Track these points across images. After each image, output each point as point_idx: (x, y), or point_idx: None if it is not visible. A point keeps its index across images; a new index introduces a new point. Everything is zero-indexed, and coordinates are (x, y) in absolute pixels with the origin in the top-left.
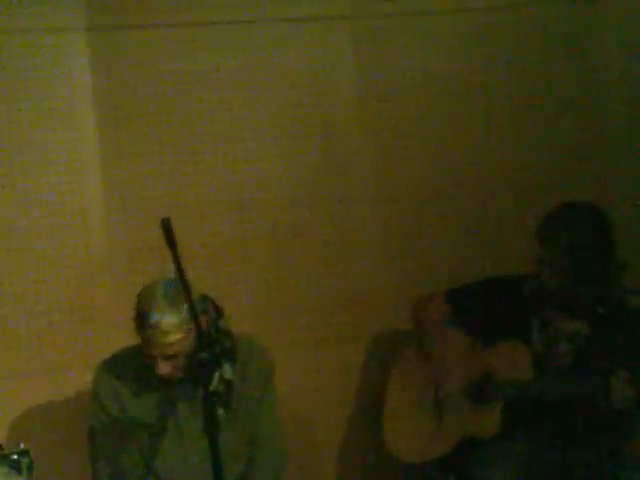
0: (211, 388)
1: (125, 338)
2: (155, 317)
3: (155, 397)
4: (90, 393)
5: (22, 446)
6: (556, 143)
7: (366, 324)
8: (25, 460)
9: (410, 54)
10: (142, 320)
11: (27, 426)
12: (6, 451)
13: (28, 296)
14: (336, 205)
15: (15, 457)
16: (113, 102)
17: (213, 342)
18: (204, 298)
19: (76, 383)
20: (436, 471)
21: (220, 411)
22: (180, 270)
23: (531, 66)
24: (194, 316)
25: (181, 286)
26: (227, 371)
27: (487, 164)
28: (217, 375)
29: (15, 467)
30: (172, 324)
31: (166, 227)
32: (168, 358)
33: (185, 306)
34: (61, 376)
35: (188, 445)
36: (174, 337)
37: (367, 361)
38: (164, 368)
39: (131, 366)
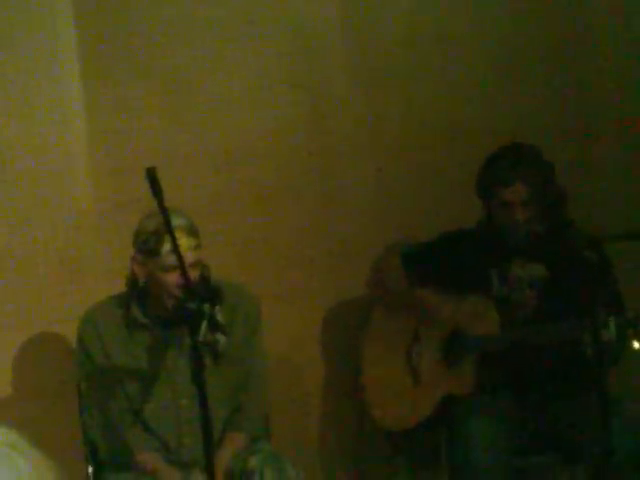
0: (199, 338)
1: (113, 289)
2: (179, 220)
3: (142, 343)
4: (76, 343)
5: None
6: (543, 93)
7: (355, 281)
8: None
9: (398, 3)
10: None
11: (14, 378)
12: None
13: (14, 249)
14: (321, 158)
15: None
16: (98, 53)
17: (200, 292)
18: None
19: (64, 335)
20: (423, 433)
21: (208, 360)
22: (166, 219)
23: (523, 12)
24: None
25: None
26: (218, 314)
27: (477, 113)
28: (205, 324)
29: None
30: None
31: (151, 176)
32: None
33: None
34: (49, 328)
35: (177, 390)
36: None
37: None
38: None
39: (117, 313)
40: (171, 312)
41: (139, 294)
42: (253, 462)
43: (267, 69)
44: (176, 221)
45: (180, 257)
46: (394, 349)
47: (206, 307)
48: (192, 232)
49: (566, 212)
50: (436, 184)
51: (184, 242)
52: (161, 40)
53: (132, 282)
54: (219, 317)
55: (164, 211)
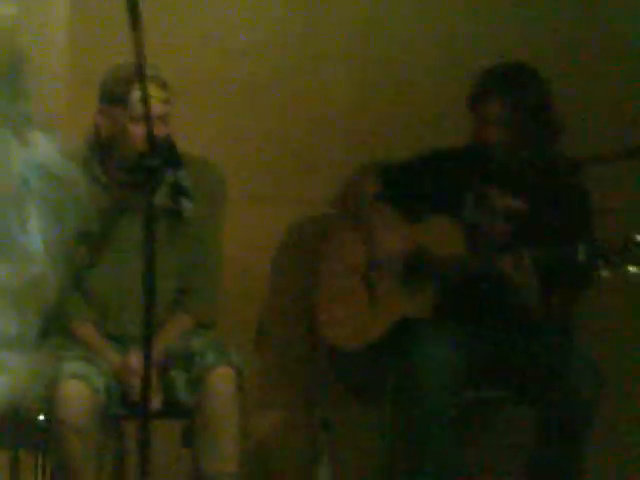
0: (156, 200)
1: None
2: (151, 71)
3: (99, 205)
4: None
5: None
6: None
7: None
8: None
9: None
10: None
11: None
12: None
13: None
14: (312, 59)
15: None
16: None
17: (165, 152)
18: None
19: None
20: (373, 356)
21: (164, 231)
22: (140, 53)
23: None
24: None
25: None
26: (183, 178)
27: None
28: (165, 189)
29: None
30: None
31: (132, 2)
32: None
33: None
34: None
35: (126, 258)
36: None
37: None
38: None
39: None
40: (130, 167)
41: (101, 151)
42: (196, 343)
43: None
44: (149, 71)
45: (148, 107)
46: (352, 268)
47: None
48: (163, 84)
49: (558, 145)
50: (428, 105)
51: (154, 92)
52: None
53: (94, 138)
54: (185, 182)
55: (140, 46)
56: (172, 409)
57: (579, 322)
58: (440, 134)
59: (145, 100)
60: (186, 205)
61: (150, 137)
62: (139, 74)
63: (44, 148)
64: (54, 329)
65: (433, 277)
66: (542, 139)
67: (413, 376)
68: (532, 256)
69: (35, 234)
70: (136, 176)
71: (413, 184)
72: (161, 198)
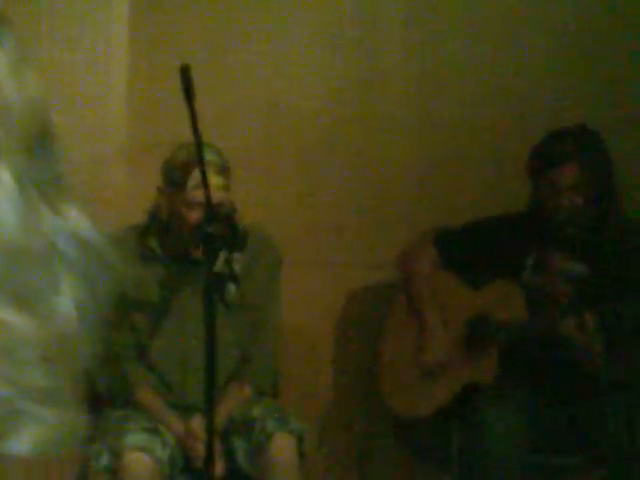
0: (215, 268)
1: None
2: (212, 156)
3: (156, 277)
4: None
5: None
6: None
7: (391, 251)
8: None
9: None
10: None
11: None
12: None
13: None
14: (369, 125)
15: None
16: None
17: (223, 219)
18: None
19: None
20: (439, 421)
21: (228, 292)
22: (195, 124)
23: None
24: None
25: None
26: (235, 262)
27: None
28: (222, 256)
29: None
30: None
31: (185, 74)
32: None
33: None
34: None
35: (187, 329)
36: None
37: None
38: (221, 197)
39: (133, 242)
40: (188, 238)
41: (159, 227)
42: (256, 410)
43: (325, 30)
44: (208, 156)
45: (208, 192)
46: (414, 338)
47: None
48: (223, 170)
49: (620, 209)
50: (489, 167)
51: (213, 179)
52: None
53: (154, 213)
54: (235, 265)
55: (193, 116)
56: (234, 476)
57: None
58: (499, 197)
59: (203, 176)
60: (231, 289)
61: (208, 205)
62: (198, 160)
63: (75, 216)
64: (118, 400)
65: (496, 342)
66: (608, 202)
67: (478, 442)
68: (595, 317)
69: (66, 296)
70: (194, 247)
71: (471, 251)
72: (220, 267)
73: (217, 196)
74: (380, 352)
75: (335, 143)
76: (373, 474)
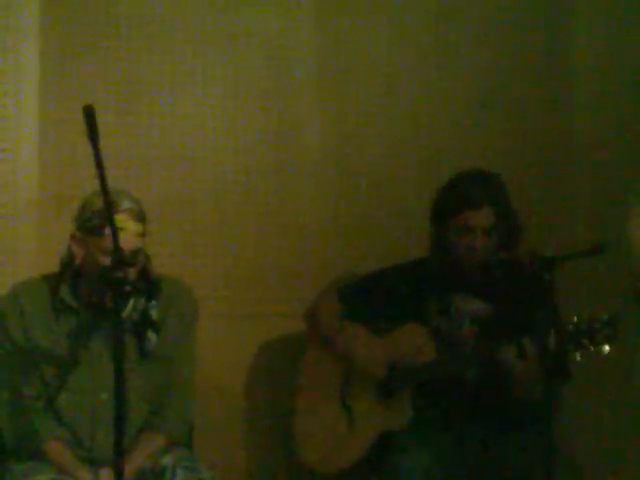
0: (123, 315)
1: None
2: (128, 203)
3: (67, 327)
4: None
5: None
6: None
7: (306, 301)
8: None
9: (373, 30)
10: (109, 209)
11: None
12: None
13: None
14: (285, 175)
15: None
16: (58, 40)
17: (137, 265)
18: None
19: None
20: (358, 476)
21: (148, 340)
22: (100, 165)
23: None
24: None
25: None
26: (152, 309)
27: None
28: (132, 302)
29: None
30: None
31: (89, 115)
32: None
33: None
34: None
35: (97, 382)
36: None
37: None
38: (138, 244)
39: (45, 293)
40: (98, 286)
41: (72, 275)
42: (166, 459)
43: (238, 80)
44: (126, 203)
45: (116, 237)
46: (326, 392)
47: (137, 285)
48: (140, 218)
49: (522, 246)
50: (400, 213)
51: (131, 226)
52: (124, 33)
53: (66, 262)
54: (153, 313)
55: (98, 157)
56: None
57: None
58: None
59: (115, 234)
60: (152, 337)
61: (116, 250)
62: (108, 208)
63: None
64: (24, 452)
65: (409, 387)
66: (511, 240)
67: None
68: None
69: None
70: (104, 296)
71: (373, 301)
72: (133, 314)
73: (135, 243)
74: (294, 406)
75: (251, 194)
76: None
